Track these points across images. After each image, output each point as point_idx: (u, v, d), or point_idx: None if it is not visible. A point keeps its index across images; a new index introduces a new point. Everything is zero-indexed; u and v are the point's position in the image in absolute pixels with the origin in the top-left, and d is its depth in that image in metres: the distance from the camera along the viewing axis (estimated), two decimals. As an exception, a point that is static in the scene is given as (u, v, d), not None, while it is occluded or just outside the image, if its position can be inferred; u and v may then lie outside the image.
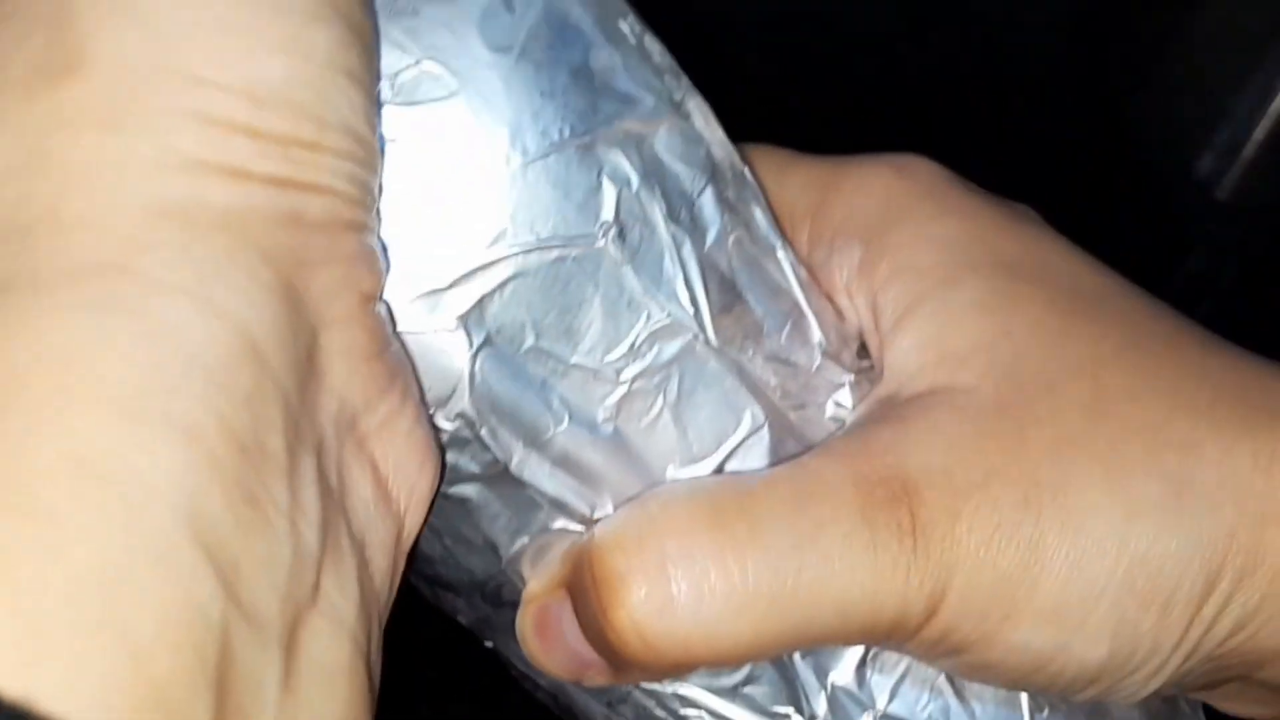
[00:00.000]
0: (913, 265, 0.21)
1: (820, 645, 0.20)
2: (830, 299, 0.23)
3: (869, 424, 0.20)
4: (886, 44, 0.50)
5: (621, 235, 0.21)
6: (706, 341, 0.21)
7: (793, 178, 0.23)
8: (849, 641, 0.19)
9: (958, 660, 0.20)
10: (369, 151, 0.18)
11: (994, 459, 0.19)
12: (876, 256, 0.22)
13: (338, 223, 0.17)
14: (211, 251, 0.15)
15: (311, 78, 0.16)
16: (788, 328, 0.23)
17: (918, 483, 0.18)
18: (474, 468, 0.21)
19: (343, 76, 0.17)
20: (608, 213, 0.21)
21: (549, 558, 0.21)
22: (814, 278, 0.23)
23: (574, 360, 0.21)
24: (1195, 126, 0.49)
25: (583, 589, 0.19)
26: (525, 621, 0.21)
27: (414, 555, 0.22)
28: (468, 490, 0.21)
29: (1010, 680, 0.20)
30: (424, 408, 0.20)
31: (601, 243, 0.21)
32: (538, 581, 0.21)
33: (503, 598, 0.23)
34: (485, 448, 0.21)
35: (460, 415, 0.20)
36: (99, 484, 0.13)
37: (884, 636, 0.19)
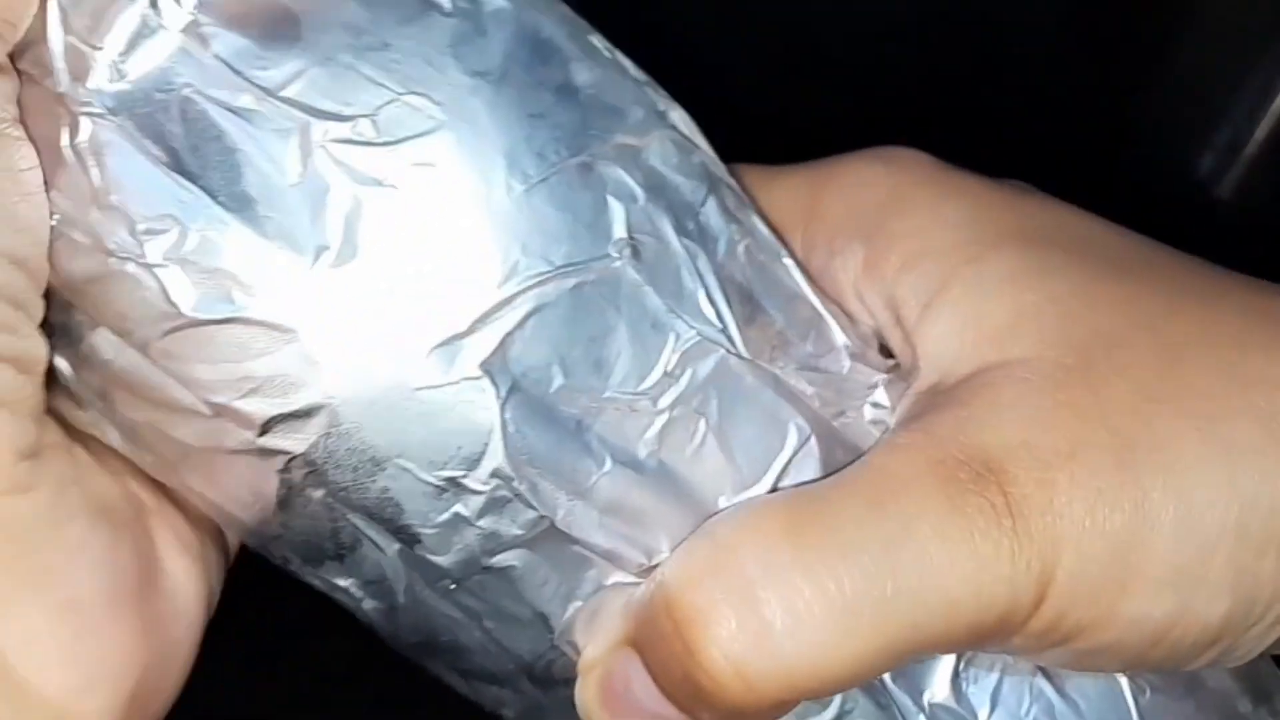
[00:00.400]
0: (928, 250, 0.20)
1: (928, 652, 0.19)
2: (837, 303, 0.23)
3: (924, 415, 0.19)
4: (885, 42, 0.50)
5: (636, 253, 0.20)
6: (739, 355, 0.21)
7: (776, 190, 0.23)
8: (956, 644, 0.18)
9: (1070, 648, 0.18)
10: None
11: (1074, 425, 0.18)
12: (884, 250, 0.21)
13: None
14: None
15: None
16: (811, 334, 0.22)
17: (1001, 460, 0.17)
18: (516, 530, 0.20)
19: None
20: (619, 230, 0.20)
21: (604, 618, 0.19)
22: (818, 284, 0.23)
23: (607, 394, 0.20)
24: (1195, 126, 0.49)
25: (658, 639, 0.18)
26: (588, 692, 0.19)
27: (445, 650, 0.21)
28: (511, 558, 0.20)
29: (1127, 660, 0.18)
30: (106, 609, 0.19)
31: (619, 262, 0.20)
32: (596, 645, 0.19)
33: (555, 675, 0.21)
34: (528, 504, 0.20)
35: (495, 474, 0.19)
36: None
37: (993, 632, 0.18)
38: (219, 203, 0.19)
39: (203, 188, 0.19)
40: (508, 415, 0.19)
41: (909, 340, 0.21)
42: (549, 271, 0.19)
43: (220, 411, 0.19)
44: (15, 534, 0.17)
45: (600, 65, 0.21)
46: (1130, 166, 0.48)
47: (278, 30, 0.19)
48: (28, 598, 0.17)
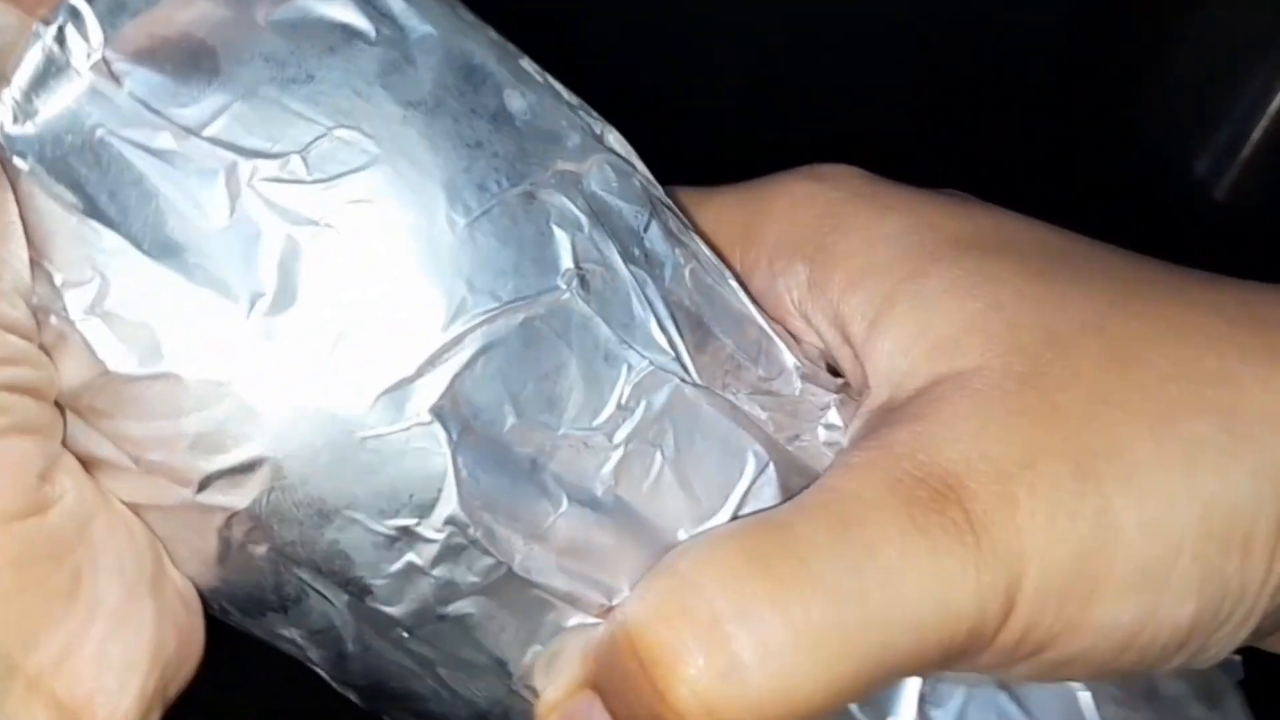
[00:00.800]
0: (871, 268, 0.20)
1: (898, 676, 0.19)
2: (781, 324, 0.22)
3: (879, 431, 0.19)
4: (885, 43, 0.50)
5: (585, 283, 0.19)
6: (693, 384, 0.20)
7: (711, 211, 0.22)
8: (928, 665, 0.18)
9: (1041, 660, 0.18)
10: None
11: (1030, 434, 0.17)
12: (827, 270, 0.21)
13: None
14: None
15: None
16: (761, 356, 0.21)
17: (959, 475, 0.17)
18: (472, 578, 0.19)
19: None
20: (566, 260, 0.19)
21: (564, 661, 0.19)
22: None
23: (561, 431, 0.19)
24: (1193, 127, 0.49)
25: (623, 679, 0.17)
26: None
27: (396, 697, 0.20)
28: (467, 606, 0.19)
29: (1098, 667, 0.18)
30: (127, 601, 0.18)
31: (567, 294, 0.19)
32: (555, 689, 0.19)
33: None
34: (484, 551, 0.19)
35: (450, 521, 0.18)
36: None
37: (963, 649, 0.17)
38: (142, 251, 0.18)
39: (124, 235, 0.18)
40: (460, 459, 0.18)
41: (858, 358, 0.21)
42: (496, 308, 0.18)
43: (153, 469, 0.18)
44: (45, 551, 0.17)
45: (534, 89, 0.20)
46: (1128, 168, 0.48)
47: (195, 65, 0.18)
48: (61, 610, 0.17)
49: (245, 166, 0.18)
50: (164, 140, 0.18)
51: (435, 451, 0.18)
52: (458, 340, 0.18)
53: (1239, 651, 0.29)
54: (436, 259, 0.18)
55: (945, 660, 0.17)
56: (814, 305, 0.21)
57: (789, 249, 0.21)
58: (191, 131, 0.18)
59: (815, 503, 0.18)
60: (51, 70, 0.18)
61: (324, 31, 0.19)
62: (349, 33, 0.19)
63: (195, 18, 0.18)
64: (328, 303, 0.18)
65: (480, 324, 0.18)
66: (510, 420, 0.19)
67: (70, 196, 0.18)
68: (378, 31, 0.19)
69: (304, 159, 0.18)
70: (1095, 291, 0.19)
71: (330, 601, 0.19)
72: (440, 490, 0.18)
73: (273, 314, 0.18)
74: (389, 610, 0.19)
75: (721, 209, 0.22)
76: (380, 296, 0.18)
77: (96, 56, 0.18)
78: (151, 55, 0.18)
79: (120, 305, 0.18)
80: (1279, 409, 0.18)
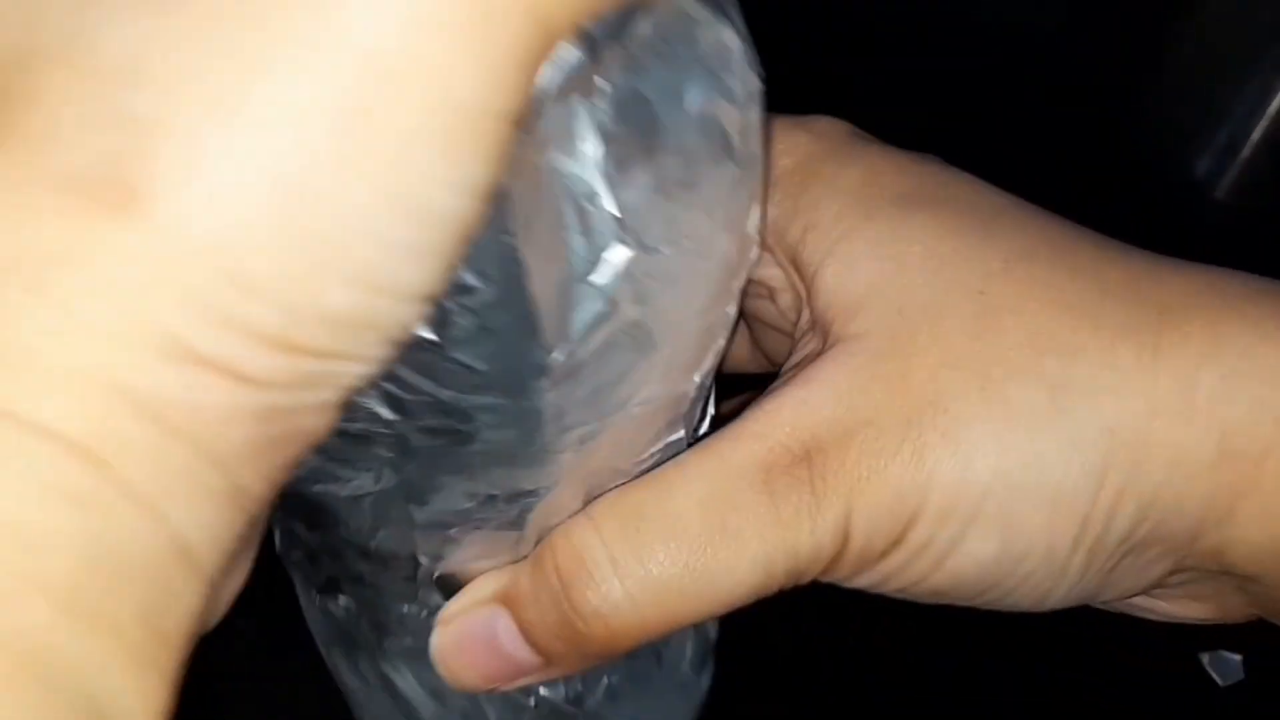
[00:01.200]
0: (819, 222, 0.22)
1: (743, 602, 0.21)
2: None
3: (783, 391, 0.21)
4: (886, 44, 0.50)
5: None
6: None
7: None
8: (774, 590, 0.21)
9: (885, 575, 0.21)
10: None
11: (879, 396, 0.20)
12: (790, 217, 0.22)
13: (306, 438, 0.14)
14: (177, 462, 0.13)
15: (377, 312, 0.14)
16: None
17: (819, 439, 0.20)
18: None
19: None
20: None
21: (475, 582, 0.21)
22: None
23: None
24: (1193, 127, 0.49)
25: (541, 592, 0.20)
26: (447, 638, 0.21)
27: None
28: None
29: (925, 583, 0.21)
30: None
31: None
32: (461, 602, 0.21)
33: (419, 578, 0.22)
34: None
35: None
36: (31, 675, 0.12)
37: (809, 574, 0.20)
38: None
39: None
40: None
41: (798, 299, 0.23)
42: None
43: None
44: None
45: None
46: (1129, 167, 0.48)
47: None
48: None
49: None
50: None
51: None
52: None
53: (1240, 654, 0.29)
54: None
55: (792, 583, 0.21)
56: (779, 249, 0.22)
57: (773, 192, 0.23)
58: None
59: (696, 472, 0.20)
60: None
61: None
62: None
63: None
64: None
65: None
66: None
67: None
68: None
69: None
70: (993, 252, 0.21)
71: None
72: None
73: None
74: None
75: None
76: None
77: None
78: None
79: None
80: (1108, 383, 0.19)
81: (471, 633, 0.21)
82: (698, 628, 0.26)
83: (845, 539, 0.20)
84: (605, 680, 0.25)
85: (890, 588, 0.21)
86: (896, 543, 0.20)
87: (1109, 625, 0.36)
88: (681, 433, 0.21)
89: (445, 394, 0.17)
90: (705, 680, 0.28)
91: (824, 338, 0.22)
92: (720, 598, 0.20)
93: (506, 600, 0.21)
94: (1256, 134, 0.48)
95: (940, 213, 0.21)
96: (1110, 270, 0.20)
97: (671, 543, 0.20)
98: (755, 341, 0.26)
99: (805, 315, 0.23)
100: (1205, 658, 0.35)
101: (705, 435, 0.22)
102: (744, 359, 0.27)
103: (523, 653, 0.21)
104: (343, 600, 0.24)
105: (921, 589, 0.21)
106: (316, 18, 0.12)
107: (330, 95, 0.12)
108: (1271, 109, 0.48)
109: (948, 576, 0.20)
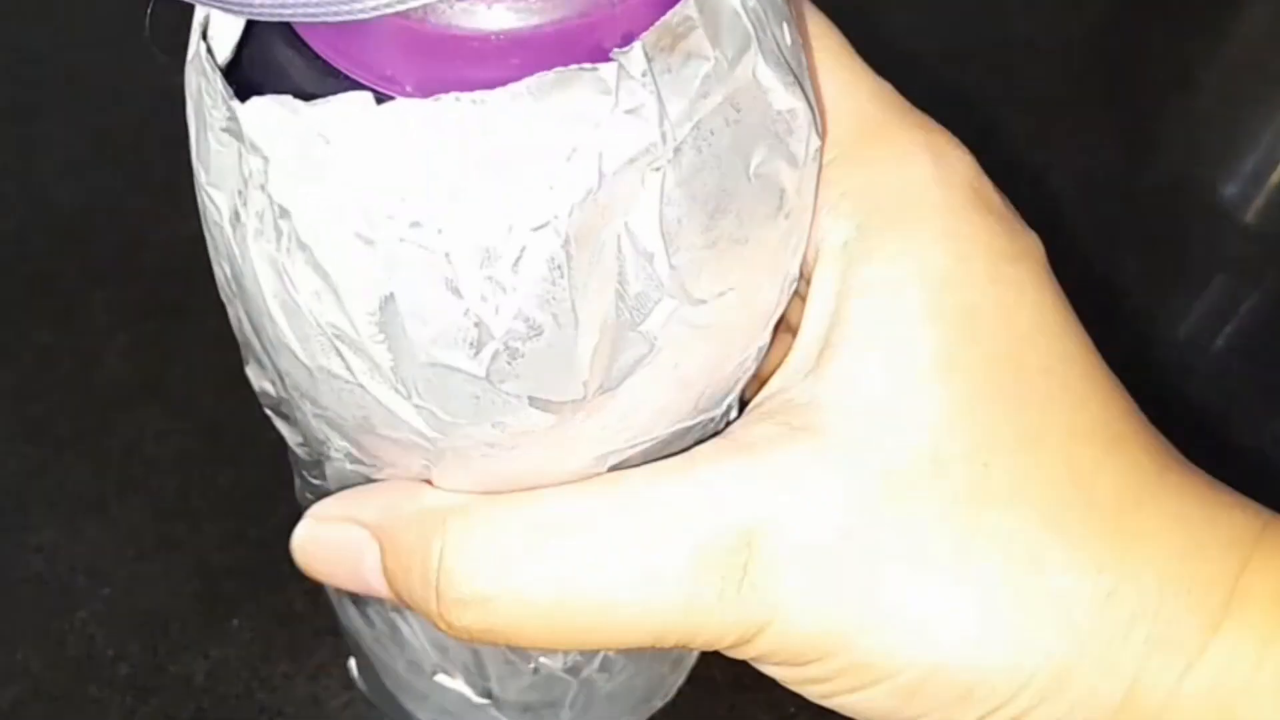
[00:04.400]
0: (884, 288, 0.20)
1: (633, 647, 0.21)
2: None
3: (750, 436, 0.20)
4: (914, 66, 0.49)
5: None
6: None
7: (846, 101, 0.21)
8: (663, 646, 0.20)
9: (766, 669, 0.20)
10: None
11: (849, 530, 0.19)
12: (861, 251, 0.20)
13: None
14: None
15: None
16: None
17: (767, 538, 0.19)
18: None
19: None
20: None
21: (363, 492, 0.21)
22: None
23: None
24: (1221, 153, 0.49)
25: (415, 545, 0.20)
26: (315, 537, 0.21)
27: None
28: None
29: (808, 694, 0.20)
30: None
31: None
32: (351, 509, 0.21)
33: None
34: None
35: None
36: None
37: (693, 647, 0.20)
38: None
39: None
40: None
41: (821, 347, 0.20)
42: None
43: None
44: None
45: None
46: (1156, 192, 0.47)
47: None
48: None
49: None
50: None
51: None
52: None
53: None
54: None
55: (679, 649, 0.20)
56: (830, 258, 0.20)
57: (854, 198, 0.20)
58: None
59: (624, 509, 0.19)
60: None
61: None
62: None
63: None
64: None
65: None
66: None
67: None
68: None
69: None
70: (1016, 421, 0.19)
71: None
72: None
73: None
74: None
75: (850, 108, 0.21)
76: None
77: None
78: None
79: None
80: (1061, 614, 0.19)
81: (340, 546, 0.21)
82: None
83: (747, 642, 0.19)
84: (600, 652, 0.26)
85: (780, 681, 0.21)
86: (797, 663, 0.20)
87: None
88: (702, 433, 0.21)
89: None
90: (690, 657, 0.29)
91: (801, 385, 0.20)
92: (601, 636, 0.20)
93: (383, 538, 0.21)
94: (1285, 161, 0.47)
95: (997, 349, 0.20)
96: (1118, 481, 0.20)
97: (576, 565, 0.19)
98: None
99: (801, 349, 0.21)
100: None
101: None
102: None
103: (381, 588, 0.21)
104: None
105: (808, 697, 0.21)
106: None
107: None
108: (1301, 136, 0.47)
109: (838, 705, 0.20)
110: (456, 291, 0.16)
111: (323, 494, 0.22)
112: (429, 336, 0.16)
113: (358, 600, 0.26)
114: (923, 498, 0.19)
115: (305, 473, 0.24)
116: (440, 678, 0.27)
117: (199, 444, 0.38)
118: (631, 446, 0.19)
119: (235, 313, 0.19)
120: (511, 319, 0.16)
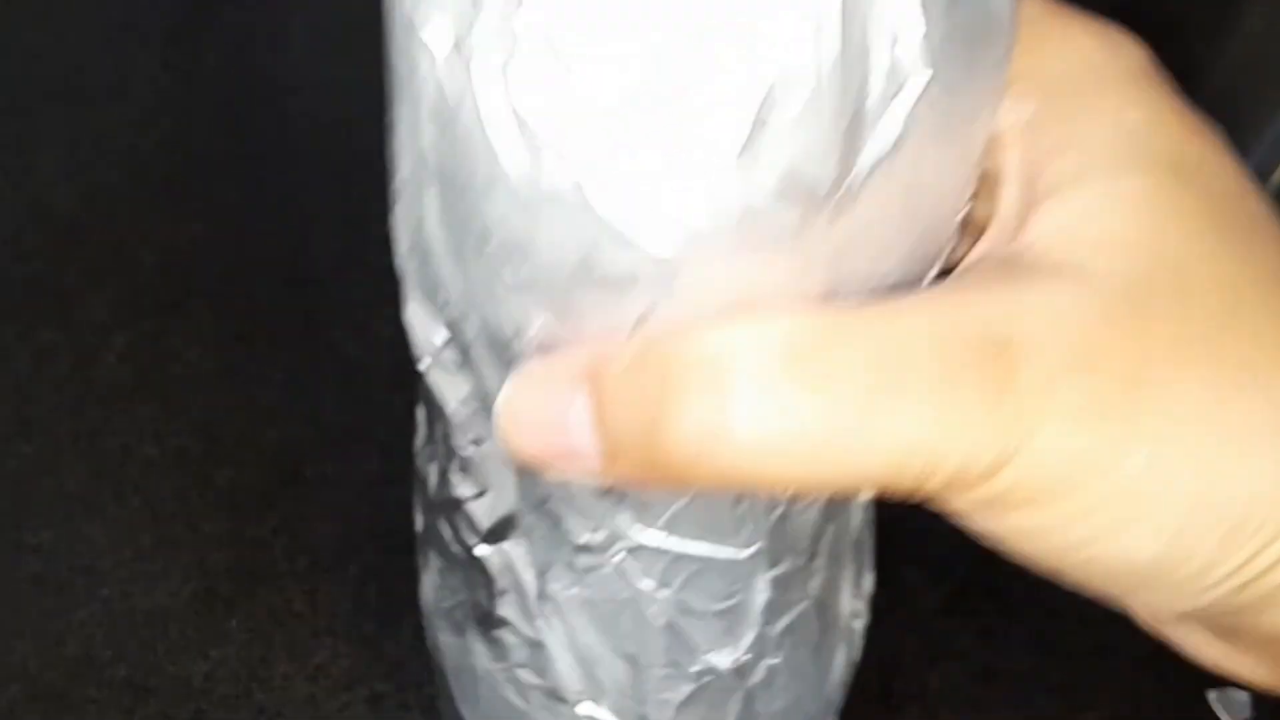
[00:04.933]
0: (1086, 143, 0.20)
1: (868, 491, 0.20)
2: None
3: (980, 274, 0.19)
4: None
5: None
6: None
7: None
8: (906, 486, 0.18)
9: (1007, 528, 0.19)
10: None
11: (1107, 344, 0.18)
12: (1051, 120, 0.20)
13: None
14: None
15: None
16: None
17: (1023, 346, 0.18)
18: None
19: None
20: None
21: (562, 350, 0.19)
22: None
23: None
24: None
25: (635, 385, 0.18)
26: (519, 396, 0.19)
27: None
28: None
29: (1044, 553, 0.19)
30: None
31: None
32: (548, 365, 0.19)
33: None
34: None
35: None
36: None
37: (938, 489, 0.18)
38: None
39: None
40: None
41: (1024, 207, 0.20)
42: None
43: None
44: None
45: None
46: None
47: None
48: None
49: None
50: None
51: None
52: None
53: (1249, 690, 0.28)
54: None
55: (915, 493, 0.18)
56: (1020, 143, 0.21)
57: (1032, 84, 0.21)
58: None
59: (868, 331, 0.18)
60: None
61: None
62: None
63: None
64: None
65: None
66: None
67: None
68: None
69: None
70: (1255, 259, 0.19)
71: None
72: None
73: None
74: None
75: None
76: None
77: None
78: None
79: None
80: None
81: (545, 396, 0.19)
82: (849, 644, 0.26)
83: (996, 472, 0.18)
84: (768, 660, 0.24)
85: (1005, 544, 0.19)
86: (1044, 504, 0.18)
87: (1113, 659, 0.35)
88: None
89: None
90: (840, 700, 0.27)
91: (1033, 248, 0.20)
92: (844, 471, 0.18)
93: (598, 377, 0.18)
94: (1286, 161, 0.47)
95: (1211, 200, 0.20)
96: None
97: (822, 391, 0.17)
98: None
99: (1011, 213, 0.21)
100: (1212, 695, 0.34)
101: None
102: None
103: (583, 440, 0.18)
104: (507, 545, 0.23)
105: (1040, 559, 0.19)
106: None
107: None
108: (1302, 137, 0.47)
109: (1079, 560, 0.19)
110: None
111: (479, 483, 0.21)
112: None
113: (489, 625, 0.24)
114: (1179, 320, 0.18)
115: (457, 443, 0.22)
116: (585, 706, 0.25)
117: (198, 444, 0.38)
118: (854, 287, 0.19)
119: (418, 211, 0.19)
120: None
